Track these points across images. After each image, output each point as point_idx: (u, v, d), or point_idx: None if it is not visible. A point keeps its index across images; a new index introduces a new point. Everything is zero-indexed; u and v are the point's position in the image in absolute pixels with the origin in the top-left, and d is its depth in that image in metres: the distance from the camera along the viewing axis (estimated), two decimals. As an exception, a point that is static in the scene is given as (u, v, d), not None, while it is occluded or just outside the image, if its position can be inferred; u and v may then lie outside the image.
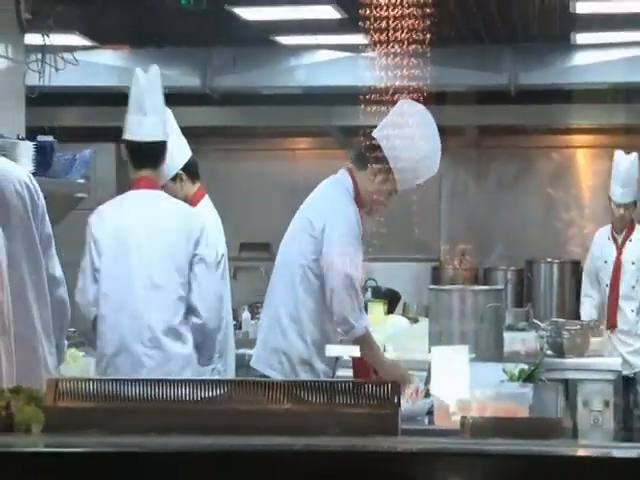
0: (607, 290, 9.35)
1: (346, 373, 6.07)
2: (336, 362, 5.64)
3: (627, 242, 9.18)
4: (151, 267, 5.89)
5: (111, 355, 5.77)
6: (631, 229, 9.25)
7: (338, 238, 5.69)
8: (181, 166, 6.55)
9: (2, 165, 5.30)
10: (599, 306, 9.51)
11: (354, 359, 5.70)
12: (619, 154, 9.29)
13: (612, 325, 9.11)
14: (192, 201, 6.48)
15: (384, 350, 6.24)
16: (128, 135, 6.10)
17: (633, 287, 9.01)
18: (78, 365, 6.18)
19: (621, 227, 9.21)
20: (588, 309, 9.53)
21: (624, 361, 8.61)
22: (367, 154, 5.87)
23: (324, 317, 5.63)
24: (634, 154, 9.17)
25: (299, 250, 5.81)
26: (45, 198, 5.89)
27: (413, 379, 5.72)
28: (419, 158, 5.83)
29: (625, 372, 8.58)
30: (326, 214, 5.80)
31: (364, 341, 5.65)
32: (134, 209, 6.07)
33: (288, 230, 5.96)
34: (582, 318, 9.22)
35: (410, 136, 5.80)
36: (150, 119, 6.05)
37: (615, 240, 9.20)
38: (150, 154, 6.07)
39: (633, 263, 9.06)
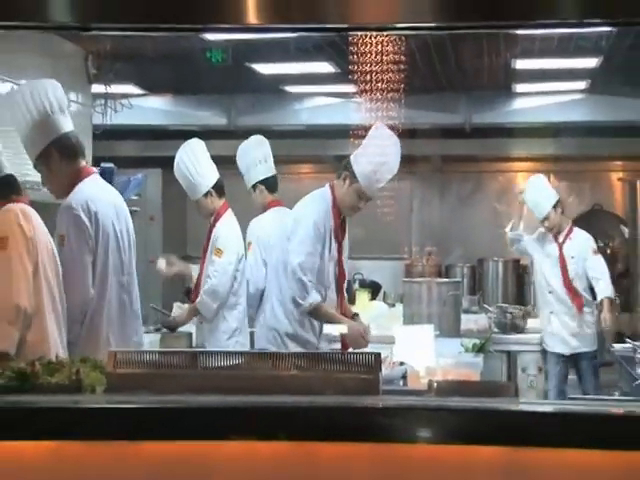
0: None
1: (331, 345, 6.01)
2: (320, 336, 5.58)
3: (567, 240, 8.97)
4: None
5: None
6: (571, 230, 9.01)
7: (298, 239, 5.60)
8: (211, 185, 6.53)
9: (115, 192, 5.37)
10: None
11: (342, 335, 5.65)
12: (529, 181, 9.00)
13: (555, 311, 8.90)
14: (218, 213, 6.47)
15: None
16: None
17: (572, 279, 8.85)
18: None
19: (556, 232, 9.01)
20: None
21: (564, 341, 8.51)
22: (343, 167, 5.83)
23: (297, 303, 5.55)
24: (540, 175, 9.07)
25: (282, 248, 5.74)
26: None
27: (369, 329, 5.72)
28: (377, 164, 5.70)
29: (565, 351, 8.46)
30: (295, 219, 5.75)
31: (317, 312, 5.56)
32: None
33: (278, 234, 5.93)
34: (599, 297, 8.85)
35: (371, 147, 5.72)
36: None
37: (556, 238, 8.98)
38: None
39: (573, 257, 8.88)
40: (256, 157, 6.83)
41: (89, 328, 5.08)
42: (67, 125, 5.17)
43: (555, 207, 8.72)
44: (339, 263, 5.70)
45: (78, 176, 5.18)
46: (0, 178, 4.96)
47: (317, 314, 5.50)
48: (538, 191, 8.72)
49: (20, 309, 4.68)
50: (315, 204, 5.76)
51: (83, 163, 5.28)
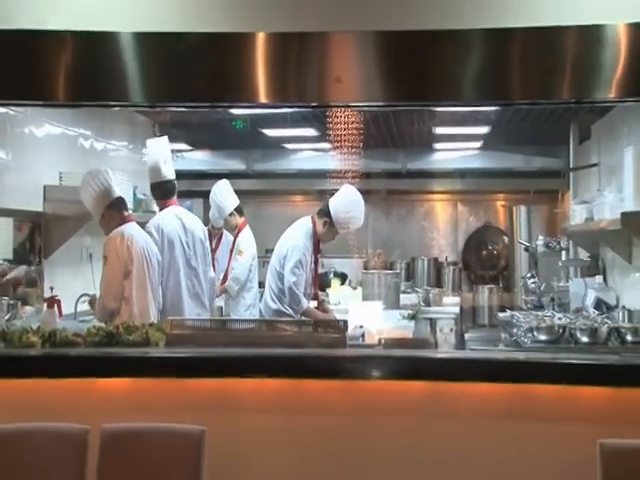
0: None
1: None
2: (301, 315, 5.47)
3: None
4: None
5: None
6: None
7: (291, 266, 5.41)
8: (233, 208, 6.44)
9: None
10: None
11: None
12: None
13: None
14: (240, 227, 6.40)
15: (339, 304, 6.08)
16: None
17: None
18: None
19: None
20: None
21: None
22: (323, 214, 5.54)
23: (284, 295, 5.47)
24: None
25: (276, 262, 5.52)
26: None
27: (333, 314, 5.58)
28: (348, 218, 5.53)
29: None
30: (288, 248, 5.47)
31: (306, 312, 5.41)
32: None
33: (274, 251, 5.63)
34: None
35: (345, 205, 5.52)
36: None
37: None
38: None
39: None
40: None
41: (171, 301, 5.00)
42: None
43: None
44: (315, 270, 5.62)
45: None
46: (115, 199, 4.78)
47: (305, 313, 5.41)
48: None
49: (106, 307, 4.62)
50: (302, 237, 5.51)
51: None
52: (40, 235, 5.47)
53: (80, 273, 5.69)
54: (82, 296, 5.08)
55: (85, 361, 3.55)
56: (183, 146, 8.43)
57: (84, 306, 5.06)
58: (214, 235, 6.75)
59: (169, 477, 2.86)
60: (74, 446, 2.91)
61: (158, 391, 3.48)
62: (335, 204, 5.54)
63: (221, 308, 6.12)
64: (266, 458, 3.47)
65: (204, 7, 3.58)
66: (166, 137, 5.50)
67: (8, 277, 4.58)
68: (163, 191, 5.29)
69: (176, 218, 5.21)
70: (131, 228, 4.80)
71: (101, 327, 3.86)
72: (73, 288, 5.27)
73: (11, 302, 4.56)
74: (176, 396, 3.46)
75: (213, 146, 8.86)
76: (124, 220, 4.79)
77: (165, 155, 5.32)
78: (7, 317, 3.96)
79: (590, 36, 3.38)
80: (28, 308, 4.93)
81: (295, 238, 5.54)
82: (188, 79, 3.54)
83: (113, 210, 4.77)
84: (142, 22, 3.57)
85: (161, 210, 5.31)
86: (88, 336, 3.71)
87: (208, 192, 6.47)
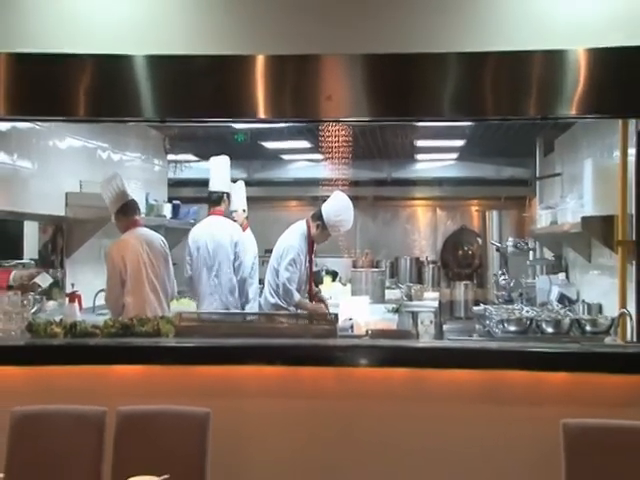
0: None
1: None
2: (296, 308, 5.45)
3: None
4: None
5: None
6: None
7: (285, 263, 5.38)
8: (242, 208, 6.33)
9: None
10: None
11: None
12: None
13: None
14: (244, 226, 6.30)
15: (330, 298, 6.10)
16: None
17: None
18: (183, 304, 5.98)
19: None
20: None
21: None
22: (316, 217, 5.50)
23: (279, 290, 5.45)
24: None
25: (274, 261, 5.47)
26: (174, 228, 5.81)
27: (327, 306, 5.54)
28: (339, 221, 5.48)
29: None
30: (284, 247, 5.44)
31: (298, 304, 5.36)
32: None
33: (273, 249, 5.59)
34: None
35: (336, 210, 5.48)
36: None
37: None
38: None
39: None
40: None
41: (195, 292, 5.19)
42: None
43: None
44: (309, 268, 5.59)
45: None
46: (127, 202, 4.82)
47: (298, 305, 5.38)
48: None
49: (110, 305, 4.69)
50: (297, 239, 5.48)
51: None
52: (62, 237, 5.47)
53: (98, 271, 5.66)
54: (100, 292, 5.10)
55: (102, 350, 3.54)
56: (190, 157, 8.40)
57: (102, 300, 5.05)
58: None
59: (177, 453, 2.86)
60: (93, 426, 2.91)
61: (168, 377, 3.47)
62: (327, 209, 5.52)
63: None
64: (265, 437, 3.47)
65: (209, 33, 3.58)
66: (227, 157, 5.76)
67: (34, 280, 4.60)
68: (210, 198, 5.58)
69: (207, 225, 5.45)
70: (132, 233, 4.81)
71: (117, 319, 3.85)
72: (92, 284, 5.27)
73: (37, 297, 4.54)
74: (184, 381, 3.45)
75: (217, 156, 8.86)
76: (132, 224, 4.82)
77: (223, 170, 5.66)
78: (33, 311, 3.95)
79: (554, 60, 3.39)
80: (52, 302, 4.93)
81: (291, 239, 5.51)
82: (195, 97, 3.53)
83: (121, 215, 4.82)
84: (154, 46, 3.56)
85: (208, 215, 5.58)
86: (105, 327, 3.71)
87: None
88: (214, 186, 5.59)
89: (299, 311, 5.28)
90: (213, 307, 5.09)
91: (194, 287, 5.39)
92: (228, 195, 5.62)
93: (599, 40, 3.38)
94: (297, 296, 5.42)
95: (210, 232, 5.39)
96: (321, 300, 5.73)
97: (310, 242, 5.57)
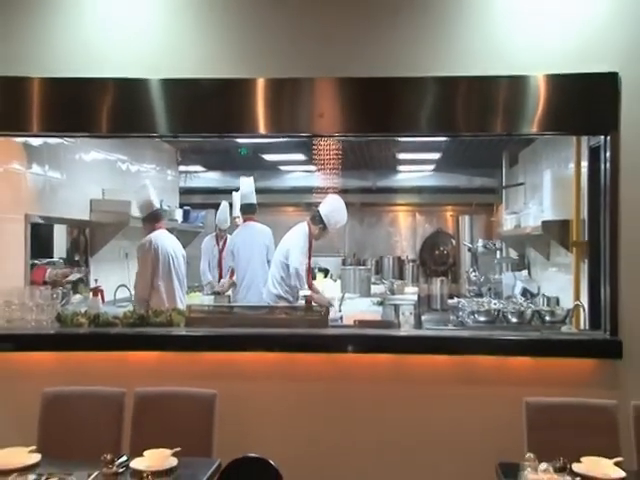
0: None
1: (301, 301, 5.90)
2: (297, 299, 5.45)
3: None
4: None
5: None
6: None
7: (293, 257, 5.37)
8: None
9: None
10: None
11: (307, 297, 5.50)
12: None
13: None
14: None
15: (323, 291, 6.07)
16: None
17: None
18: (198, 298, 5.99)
19: None
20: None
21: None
22: (316, 217, 5.48)
23: (286, 282, 5.44)
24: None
25: (281, 256, 5.41)
26: (184, 231, 5.78)
27: (333, 302, 5.62)
28: (336, 219, 5.47)
29: None
30: (289, 246, 5.44)
31: (310, 286, 5.38)
32: None
33: (277, 249, 5.58)
34: None
35: (332, 210, 5.46)
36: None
37: None
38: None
39: None
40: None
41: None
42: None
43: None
44: (308, 264, 5.59)
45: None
46: (152, 212, 4.93)
47: (309, 287, 5.42)
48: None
49: (138, 295, 4.69)
50: (301, 237, 5.48)
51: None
52: (87, 238, 5.48)
53: (118, 268, 5.68)
54: (120, 286, 5.10)
55: (122, 338, 3.53)
56: (199, 168, 8.38)
57: (121, 294, 5.04)
58: (220, 237, 6.68)
59: (187, 430, 2.85)
60: (113, 405, 2.90)
61: (179, 362, 3.46)
62: (324, 208, 5.56)
63: (229, 297, 6.08)
64: (265, 415, 3.46)
65: (215, 60, 3.58)
66: (252, 178, 6.17)
67: (69, 278, 4.62)
68: (243, 209, 6.00)
69: (244, 229, 5.85)
70: (158, 234, 4.89)
71: (134, 311, 3.84)
72: (113, 280, 5.28)
73: (64, 291, 4.53)
74: (193, 366, 3.44)
75: (223, 168, 8.79)
76: (155, 228, 4.91)
77: (250, 188, 6.09)
78: (62, 303, 3.94)
79: (517, 84, 3.41)
80: (78, 296, 4.92)
81: (297, 238, 5.55)
82: (203, 115, 3.53)
83: (146, 222, 4.95)
84: (168, 71, 3.56)
85: (245, 222, 5.98)
86: (124, 318, 3.70)
87: (219, 204, 6.40)
88: (248, 199, 6.00)
89: (300, 302, 5.30)
90: (250, 295, 5.55)
91: (238, 279, 5.75)
92: (256, 206, 6.03)
93: (556, 67, 3.40)
94: (309, 281, 5.48)
95: (250, 233, 5.81)
96: (316, 291, 5.75)
97: (310, 241, 5.60)
